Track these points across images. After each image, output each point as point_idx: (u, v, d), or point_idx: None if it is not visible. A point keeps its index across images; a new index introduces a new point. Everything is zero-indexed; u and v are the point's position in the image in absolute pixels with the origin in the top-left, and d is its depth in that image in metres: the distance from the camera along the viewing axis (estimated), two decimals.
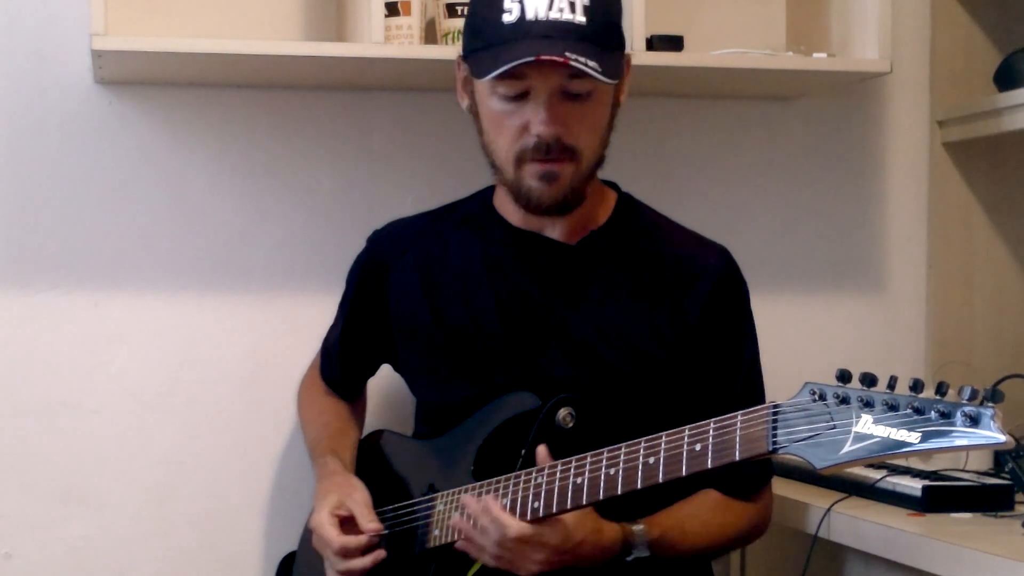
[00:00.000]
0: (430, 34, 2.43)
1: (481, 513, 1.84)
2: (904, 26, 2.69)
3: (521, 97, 1.90)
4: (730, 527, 2.00)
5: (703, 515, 1.97)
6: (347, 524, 1.98)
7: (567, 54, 1.83)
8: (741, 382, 2.01)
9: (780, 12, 2.72)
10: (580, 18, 1.87)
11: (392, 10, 2.32)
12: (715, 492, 1.98)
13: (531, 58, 1.84)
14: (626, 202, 2.09)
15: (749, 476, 2.01)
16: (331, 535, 1.96)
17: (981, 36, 2.71)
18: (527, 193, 1.95)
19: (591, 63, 1.84)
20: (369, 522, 1.96)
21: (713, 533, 1.98)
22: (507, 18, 1.88)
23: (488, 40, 1.90)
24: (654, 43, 2.41)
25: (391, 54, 2.29)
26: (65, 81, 2.43)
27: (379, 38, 2.26)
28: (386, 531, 1.97)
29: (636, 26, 2.29)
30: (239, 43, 2.26)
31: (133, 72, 2.40)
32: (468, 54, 1.96)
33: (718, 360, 2.00)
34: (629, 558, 1.88)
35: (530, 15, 1.87)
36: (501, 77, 1.87)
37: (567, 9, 1.87)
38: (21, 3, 2.41)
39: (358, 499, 1.99)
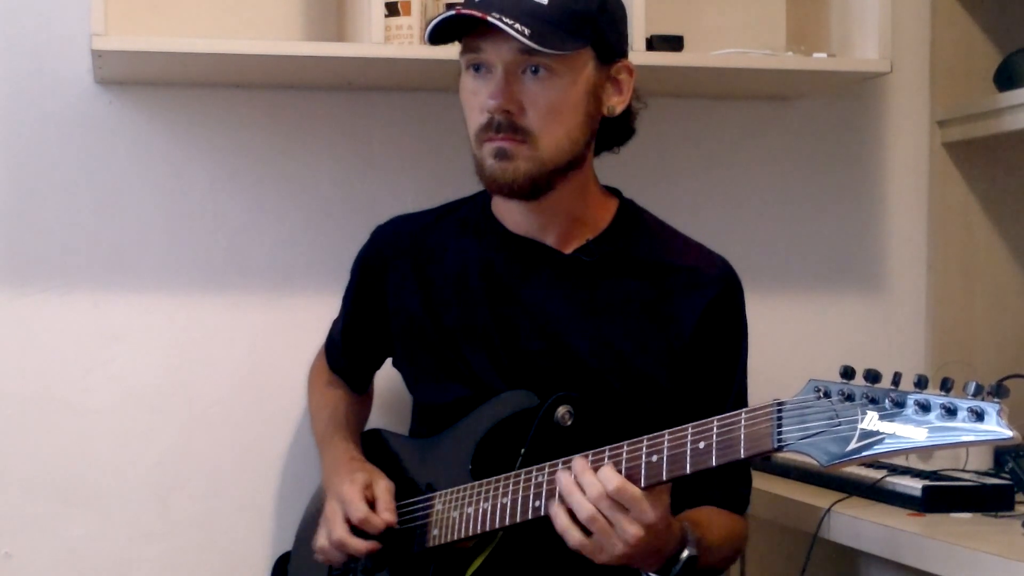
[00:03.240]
0: None
1: (583, 472, 1.74)
2: (904, 26, 2.69)
3: (485, 76, 1.90)
4: (738, 539, 1.98)
5: (718, 523, 1.92)
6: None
7: (493, 14, 1.83)
8: (732, 396, 1.99)
9: (780, 12, 2.73)
10: (542, 0, 1.87)
11: (392, 10, 2.32)
12: (715, 508, 1.95)
13: (452, 12, 1.86)
14: (627, 210, 2.06)
15: (743, 495, 2.01)
16: (360, 507, 1.96)
17: (981, 36, 2.72)
18: (485, 172, 1.92)
19: (518, 26, 1.82)
20: (386, 511, 1.97)
21: (730, 543, 1.95)
22: None
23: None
24: (654, 43, 2.41)
25: (391, 54, 2.29)
26: (65, 81, 2.43)
27: (379, 38, 2.27)
28: (397, 527, 1.97)
29: (636, 26, 2.29)
30: (239, 43, 2.27)
31: (133, 72, 2.40)
32: None
33: (711, 373, 1.98)
34: (684, 555, 1.78)
35: None
36: (464, 49, 1.90)
37: None
38: (21, 3, 2.41)
39: (384, 487, 2.00)
